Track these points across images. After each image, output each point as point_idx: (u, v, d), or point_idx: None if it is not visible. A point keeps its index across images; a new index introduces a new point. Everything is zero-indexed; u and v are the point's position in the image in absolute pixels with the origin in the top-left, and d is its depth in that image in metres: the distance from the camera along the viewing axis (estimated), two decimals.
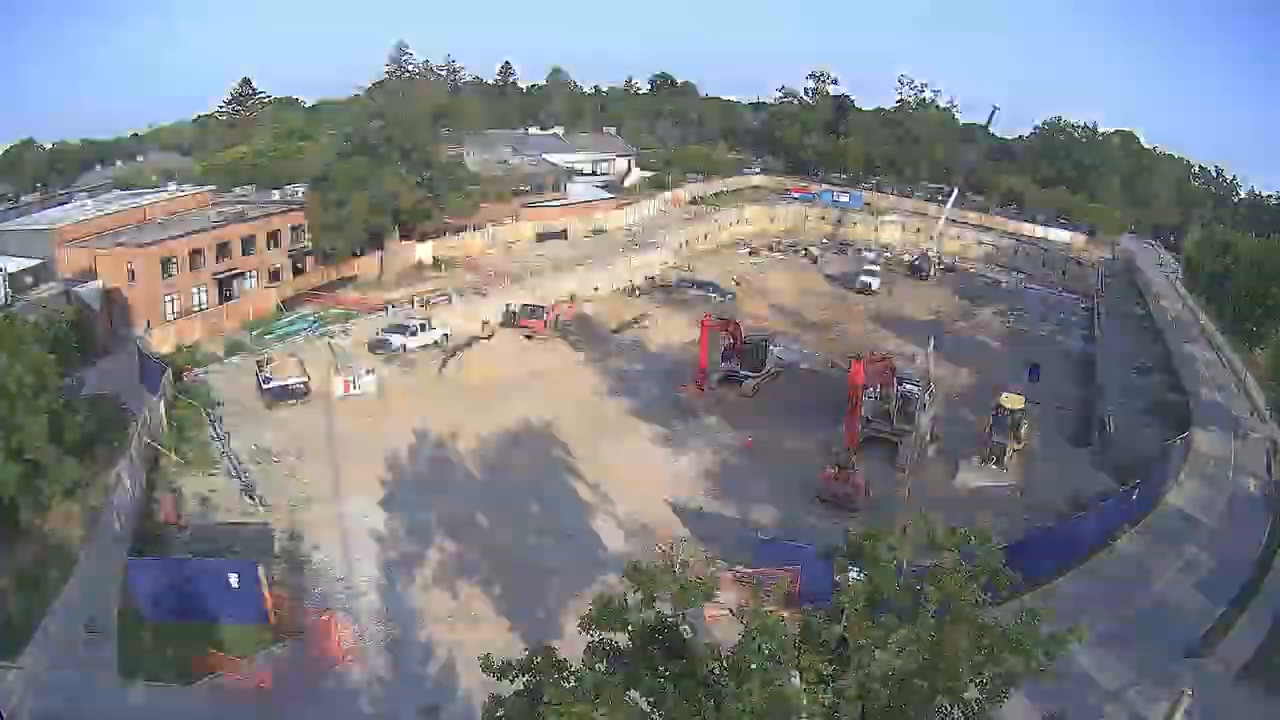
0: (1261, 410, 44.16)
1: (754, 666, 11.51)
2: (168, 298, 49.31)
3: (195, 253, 51.25)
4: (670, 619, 13.27)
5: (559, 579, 28.18)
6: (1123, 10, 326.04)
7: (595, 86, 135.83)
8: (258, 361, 42.55)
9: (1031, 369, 51.59)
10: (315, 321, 51.16)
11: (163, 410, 36.52)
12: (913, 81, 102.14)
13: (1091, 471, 37.43)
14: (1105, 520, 30.99)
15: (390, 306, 52.52)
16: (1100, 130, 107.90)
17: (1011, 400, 39.31)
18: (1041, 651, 12.90)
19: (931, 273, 75.74)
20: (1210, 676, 23.42)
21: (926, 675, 12.35)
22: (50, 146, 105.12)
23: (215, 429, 36.73)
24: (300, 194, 62.43)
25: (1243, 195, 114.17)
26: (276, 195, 66.78)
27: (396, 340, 47.47)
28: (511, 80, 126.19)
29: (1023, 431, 39.61)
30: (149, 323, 46.75)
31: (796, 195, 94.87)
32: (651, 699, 12.34)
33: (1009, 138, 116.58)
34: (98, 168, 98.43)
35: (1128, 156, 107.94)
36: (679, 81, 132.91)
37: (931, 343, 46.96)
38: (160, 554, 27.43)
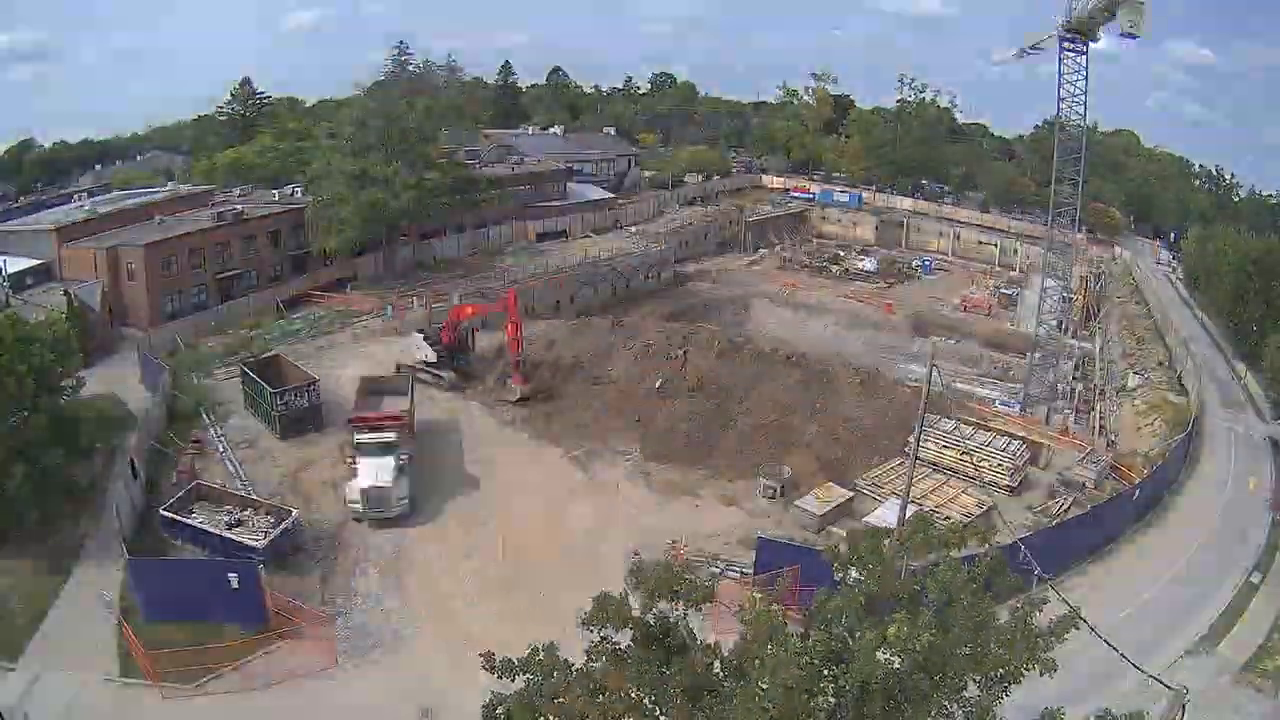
0: (1262, 409, 44.17)
1: (756, 665, 11.48)
2: (168, 298, 49.30)
3: (195, 253, 51.28)
4: (671, 619, 13.23)
5: (568, 579, 28.03)
6: None
7: (595, 86, 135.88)
8: None
9: None
10: (316, 322, 51.15)
11: (163, 410, 36.51)
12: (913, 80, 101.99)
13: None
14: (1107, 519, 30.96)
15: (389, 307, 52.51)
16: (1100, 130, 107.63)
17: None
18: (1039, 648, 12.85)
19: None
20: (1211, 675, 23.44)
21: (926, 673, 12.32)
22: (50, 146, 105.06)
23: (215, 429, 36.71)
24: (300, 194, 62.41)
25: (1242, 195, 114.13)
26: (276, 195, 66.73)
27: None
28: (511, 80, 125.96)
29: None
30: (149, 323, 46.75)
31: (796, 195, 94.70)
32: (653, 699, 12.31)
33: (1009, 137, 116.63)
34: (98, 168, 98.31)
35: (1128, 156, 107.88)
36: (679, 81, 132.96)
37: None
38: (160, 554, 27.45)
